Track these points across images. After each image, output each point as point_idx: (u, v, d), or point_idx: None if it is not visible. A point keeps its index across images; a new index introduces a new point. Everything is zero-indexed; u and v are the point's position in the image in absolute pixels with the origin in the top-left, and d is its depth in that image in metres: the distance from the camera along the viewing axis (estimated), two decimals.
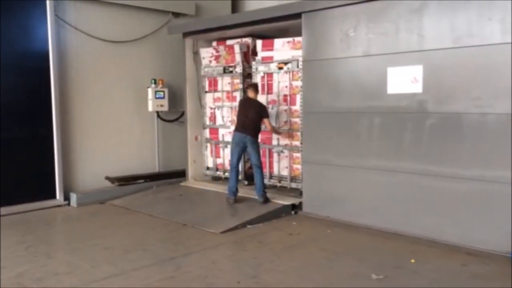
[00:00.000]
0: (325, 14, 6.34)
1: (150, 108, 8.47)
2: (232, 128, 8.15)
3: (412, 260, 4.74)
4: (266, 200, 6.82)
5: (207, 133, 8.69)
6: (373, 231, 5.80)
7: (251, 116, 6.83)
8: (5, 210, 6.77)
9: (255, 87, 7.10)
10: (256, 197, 6.89)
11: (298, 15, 6.61)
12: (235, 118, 8.06)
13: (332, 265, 4.72)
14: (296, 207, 6.76)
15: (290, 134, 7.35)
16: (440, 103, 5.35)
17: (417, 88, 5.50)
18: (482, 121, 5.04)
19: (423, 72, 5.44)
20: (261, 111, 6.89)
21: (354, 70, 6.13)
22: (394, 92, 5.72)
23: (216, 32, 8.06)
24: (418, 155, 5.54)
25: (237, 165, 7.05)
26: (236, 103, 8.03)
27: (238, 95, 8.03)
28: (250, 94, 7.03)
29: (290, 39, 7.23)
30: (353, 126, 6.15)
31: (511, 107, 4.80)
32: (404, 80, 5.60)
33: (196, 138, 8.76)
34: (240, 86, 7.98)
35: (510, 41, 4.78)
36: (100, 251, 5.19)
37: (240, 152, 6.99)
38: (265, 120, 6.92)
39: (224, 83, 8.28)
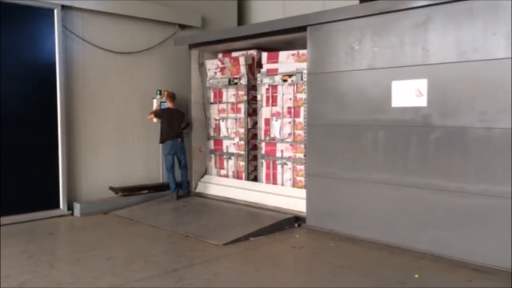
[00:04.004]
0: (330, 27, 6.38)
1: (155, 119, 8.51)
2: (237, 139, 8.18)
3: (416, 275, 4.70)
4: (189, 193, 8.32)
5: (211, 144, 8.71)
6: (378, 245, 5.76)
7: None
8: (8, 219, 6.78)
9: (172, 96, 8.17)
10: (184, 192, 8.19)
11: (303, 28, 6.64)
12: (239, 129, 8.13)
13: (336, 279, 4.68)
14: (299, 220, 6.74)
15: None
16: (445, 117, 5.34)
17: (422, 102, 5.50)
18: (487, 135, 5.02)
19: (428, 86, 5.44)
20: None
21: (358, 83, 6.14)
22: (398, 105, 5.72)
23: (222, 44, 8.11)
24: (423, 169, 5.51)
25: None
26: (240, 115, 8.08)
27: (242, 107, 8.06)
28: (169, 104, 8.14)
29: (295, 51, 7.27)
30: (357, 139, 6.14)
31: None
32: (409, 94, 5.60)
33: (200, 149, 8.78)
34: (245, 97, 8.01)
35: None
36: (103, 262, 5.17)
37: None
38: None
39: (229, 94, 8.32)
